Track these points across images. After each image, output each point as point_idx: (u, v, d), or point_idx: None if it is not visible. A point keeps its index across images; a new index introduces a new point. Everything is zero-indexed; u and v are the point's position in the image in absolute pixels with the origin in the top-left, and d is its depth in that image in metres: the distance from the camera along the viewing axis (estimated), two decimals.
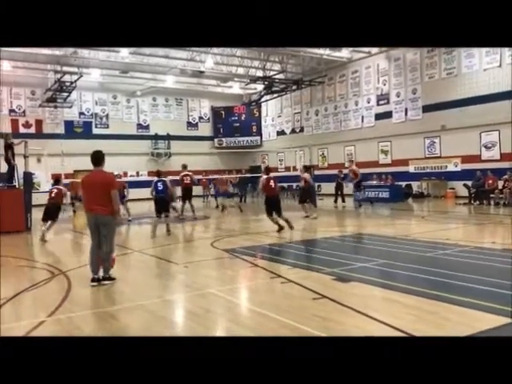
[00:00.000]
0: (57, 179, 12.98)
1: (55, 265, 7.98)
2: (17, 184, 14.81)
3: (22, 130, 26.23)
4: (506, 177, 17.01)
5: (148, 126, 31.06)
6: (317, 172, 23.16)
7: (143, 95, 30.51)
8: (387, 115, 23.60)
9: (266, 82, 25.07)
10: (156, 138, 30.99)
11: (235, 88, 31.53)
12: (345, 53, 25.20)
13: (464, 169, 20.15)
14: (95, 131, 29.01)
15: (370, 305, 4.92)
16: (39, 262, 8.58)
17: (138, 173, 29.12)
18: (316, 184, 18.14)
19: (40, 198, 18.31)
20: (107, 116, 29.67)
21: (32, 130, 26.81)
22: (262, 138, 33.01)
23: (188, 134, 32.17)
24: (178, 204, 15.24)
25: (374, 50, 23.74)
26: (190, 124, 32.75)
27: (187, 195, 15.69)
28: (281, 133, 31.33)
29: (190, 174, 16.16)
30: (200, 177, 20.06)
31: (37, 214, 15.13)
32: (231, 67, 26.89)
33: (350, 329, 4.22)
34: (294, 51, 23.36)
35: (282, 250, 9.07)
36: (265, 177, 11.65)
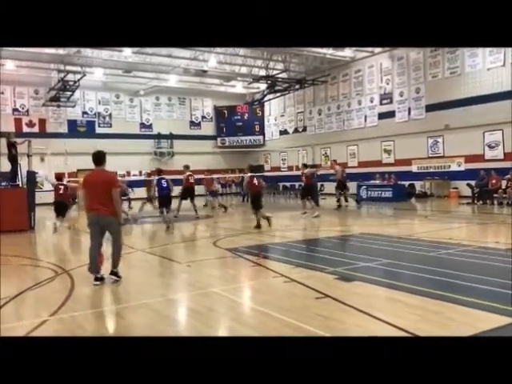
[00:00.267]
0: (59, 177, 13.13)
1: (58, 264, 8.01)
2: (20, 183, 14.85)
3: (25, 129, 26.33)
4: (508, 176, 16.96)
5: (151, 125, 31.10)
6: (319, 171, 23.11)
7: (146, 94, 30.53)
8: (390, 114, 23.55)
9: (268, 81, 25.06)
10: (159, 137, 31.02)
11: (238, 87, 31.52)
12: (348, 52, 25.14)
13: (467, 168, 20.09)
14: (98, 130, 29.08)
15: (373, 304, 4.91)
16: (43, 261, 8.60)
17: (140, 172, 29.15)
18: (319, 183, 18.09)
19: (44, 197, 18.41)
20: (110, 115, 29.73)
21: (35, 129, 26.89)
22: (264, 137, 33.00)
23: (191, 134, 32.19)
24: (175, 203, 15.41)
25: (378, 49, 23.65)
26: (192, 123, 32.76)
27: (190, 194, 15.75)
28: (284, 132, 31.31)
29: (192, 174, 16.26)
30: (202, 176, 20.07)
31: (40, 213, 15.21)
32: (234, 66, 26.89)
33: (353, 328, 4.22)
34: (297, 50, 23.34)
35: (284, 250, 9.07)
36: (249, 175, 12.04)
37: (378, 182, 21.38)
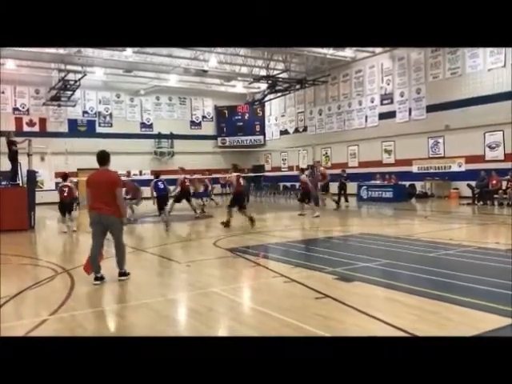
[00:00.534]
0: (65, 175, 13.15)
1: (59, 263, 8.02)
2: (20, 182, 14.85)
3: (25, 128, 26.33)
4: (507, 177, 16.96)
5: (151, 124, 31.10)
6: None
7: (147, 94, 30.54)
8: (391, 115, 23.55)
9: (269, 81, 25.07)
10: (159, 136, 31.02)
11: (239, 87, 31.51)
12: (348, 52, 25.13)
13: (468, 169, 20.09)
14: (99, 130, 29.08)
15: (372, 304, 4.92)
16: (42, 260, 8.60)
17: (141, 172, 29.15)
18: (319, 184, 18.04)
19: (45, 197, 18.44)
20: (111, 115, 29.73)
21: (36, 129, 26.92)
22: (265, 137, 32.99)
23: (191, 133, 32.19)
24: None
25: (378, 49, 23.66)
26: (193, 123, 32.77)
27: (185, 197, 15.79)
28: (284, 132, 31.31)
29: (186, 177, 16.29)
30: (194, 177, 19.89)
31: (40, 213, 15.21)
32: (235, 66, 26.88)
33: (352, 328, 4.22)
34: (298, 50, 23.33)
35: (284, 250, 9.07)
36: (235, 174, 12.22)
37: (378, 182, 21.38)
